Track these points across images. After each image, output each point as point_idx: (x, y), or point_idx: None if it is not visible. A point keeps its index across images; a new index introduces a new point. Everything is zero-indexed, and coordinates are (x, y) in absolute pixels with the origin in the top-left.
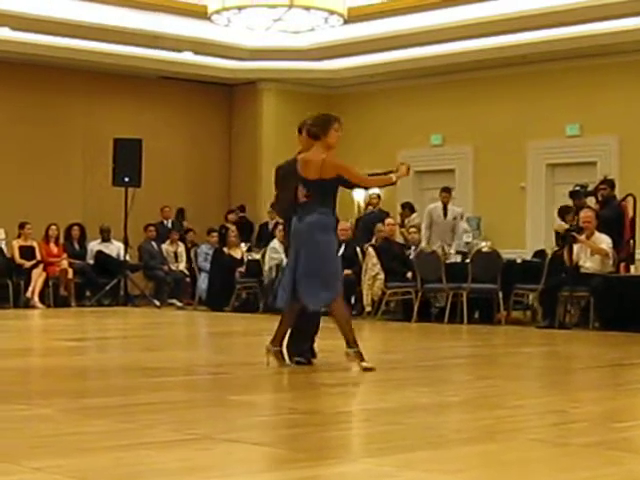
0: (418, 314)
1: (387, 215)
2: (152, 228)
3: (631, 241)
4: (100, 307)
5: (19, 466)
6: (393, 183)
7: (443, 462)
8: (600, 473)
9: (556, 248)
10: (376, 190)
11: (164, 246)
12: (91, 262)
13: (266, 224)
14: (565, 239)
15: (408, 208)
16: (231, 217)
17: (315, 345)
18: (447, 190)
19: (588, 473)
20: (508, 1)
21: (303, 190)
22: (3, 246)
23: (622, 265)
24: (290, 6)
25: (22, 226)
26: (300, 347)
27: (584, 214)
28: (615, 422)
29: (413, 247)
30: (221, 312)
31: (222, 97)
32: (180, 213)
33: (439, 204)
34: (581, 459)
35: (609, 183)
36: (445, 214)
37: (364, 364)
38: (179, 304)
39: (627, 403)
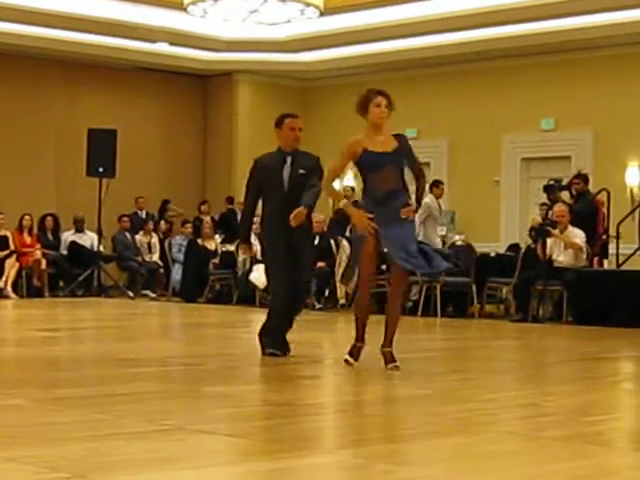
0: None
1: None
2: (126, 219)
3: (604, 236)
4: (73, 298)
5: None
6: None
7: (415, 454)
8: (571, 466)
9: (530, 242)
10: (350, 182)
11: (138, 237)
12: (65, 252)
13: (236, 216)
14: (539, 233)
15: None
16: (204, 208)
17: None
18: (442, 182)
19: (560, 466)
20: None
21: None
22: None
23: (595, 259)
24: None
25: None
26: (274, 339)
27: (557, 208)
28: (587, 416)
29: None
30: (195, 303)
31: (197, 88)
32: (164, 204)
33: (432, 197)
34: (553, 452)
35: (583, 177)
36: (440, 207)
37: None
38: (152, 295)
39: (599, 397)
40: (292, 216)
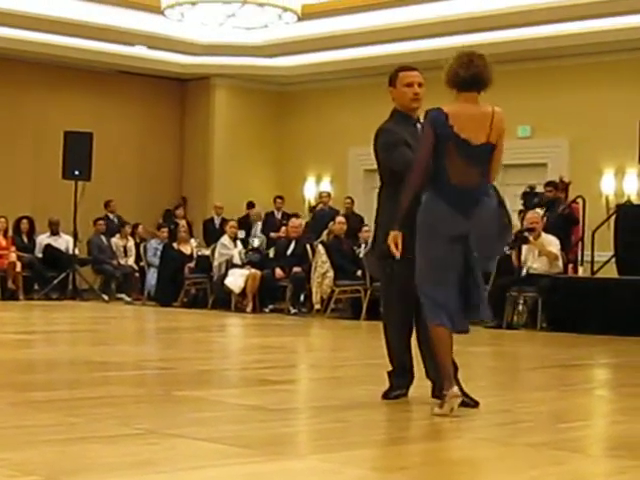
0: (367, 312)
1: (337, 213)
2: (101, 222)
3: (579, 243)
4: (48, 301)
5: None
6: None
7: (388, 460)
8: (545, 472)
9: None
10: (327, 188)
11: (114, 240)
12: (40, 255)
13: (212, 220)
14: (517, 240)
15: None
16: (179, 212)
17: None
18: None
19: (533, 472)
20: (461, 2)
21: (460, 159)
22: None
23: (570, 266)
24: (244, 2)
25: None
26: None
27: (530, 215)
28: (561, 422)
29: (363, 245)
30: (170, 307)
31: (175, 92)
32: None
33: None
34: (526, 459)
35: (554, 185)
36: None
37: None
38: (128, 299)
39: (573, 403)
40: None
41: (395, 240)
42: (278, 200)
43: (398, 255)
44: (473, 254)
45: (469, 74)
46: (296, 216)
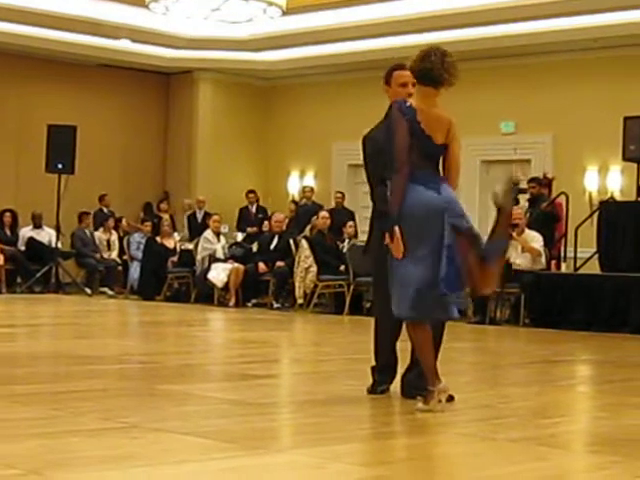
0: (350, 307)
1: (321, 208)
2: (87, 216)
3: (563, 239)
4: (31, 294)
5: None
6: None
7: (370, 455)
8: (526, 468)
9: None
10: (311, 182)
11: (97, 234)
12: (22, 248)
13: (194, 214)
14: None
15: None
16: (163, 206)
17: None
18: None
19: (514, 468)
20: None
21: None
22: None
23: (553, 262)
24: None
25: None
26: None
27: (514, 211)
28: (543, 418)
29: (347, 240)
30: (152, 301)
31: (159, 85)
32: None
33: None
34: (508, 454)
35: (538, 181)
36: None
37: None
38: (110, 292)
39: (555, 399)
40: None
41: (396, 240)
42: (250, 195)
43: (399, 256)
44: (451, 224)
45: (419, 66)
46: (265, 212)
